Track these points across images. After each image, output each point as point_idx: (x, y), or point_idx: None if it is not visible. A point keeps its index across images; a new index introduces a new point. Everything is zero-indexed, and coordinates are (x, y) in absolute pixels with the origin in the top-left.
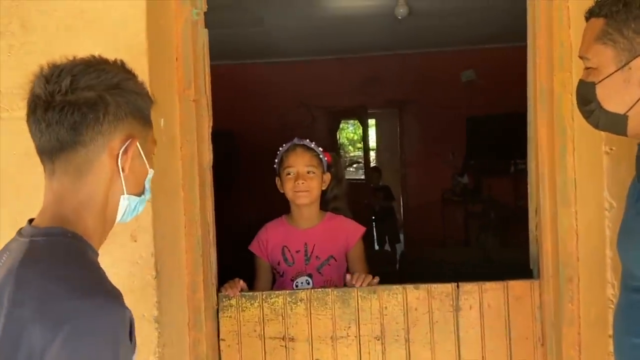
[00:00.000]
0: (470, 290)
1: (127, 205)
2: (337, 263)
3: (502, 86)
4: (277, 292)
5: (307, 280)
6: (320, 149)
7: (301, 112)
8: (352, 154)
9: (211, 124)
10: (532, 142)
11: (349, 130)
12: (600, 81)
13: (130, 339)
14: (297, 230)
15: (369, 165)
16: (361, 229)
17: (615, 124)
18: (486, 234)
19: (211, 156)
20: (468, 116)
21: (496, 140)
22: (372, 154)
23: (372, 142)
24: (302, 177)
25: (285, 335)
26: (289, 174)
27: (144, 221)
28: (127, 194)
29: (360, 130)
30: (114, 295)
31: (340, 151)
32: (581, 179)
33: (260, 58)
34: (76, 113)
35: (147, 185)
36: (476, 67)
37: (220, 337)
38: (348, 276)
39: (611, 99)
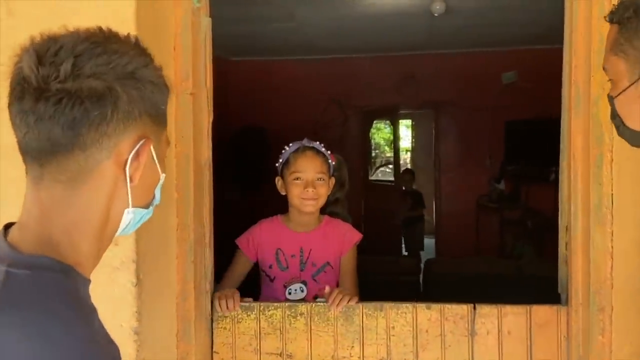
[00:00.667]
0: (488, 314)
1: (131, 218)
2: (334, 270)
3: (545, 90)
4: (275, 304)
5: (301, 287)
6: (328, 151)
7: (334, 110)
8: (388, 155)
9: (211, 119)
10: (565, 151)
11: (385, 131)
12: (616, 96)
13: None
14: (293, 233)
15: (399, 167)
16: (357, 235)
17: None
18: (522, 244)
19: (210, 153)
20: (507, 120)
21: (536, 146)
22: (408, 156)
23: (408, 143)
24: (312, 184)
25: (283, 351)
26: (297, 179)
27: None
28: (133, 207)
29: (399, 131)
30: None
31: (375, 151)
32: (619, 194)
33: (292, 55)
34: (77, 108)
35: (158, 193)
36: (518, 68)
37: (214, 349)
38: (327, 288)
39: (629, 116)
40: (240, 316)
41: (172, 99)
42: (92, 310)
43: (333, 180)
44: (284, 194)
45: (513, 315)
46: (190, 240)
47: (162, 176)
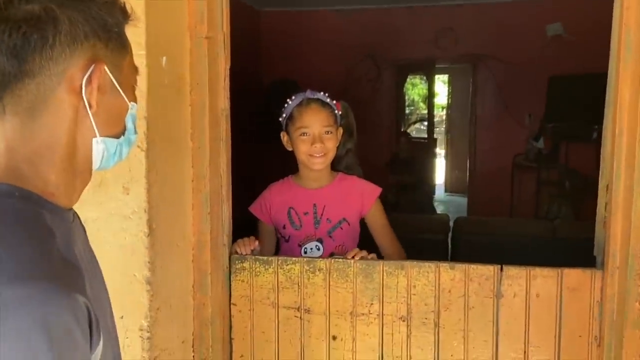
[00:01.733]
0: (515, 276)
1: (103, 149)
2: (351, 227)
3: (592, 43)
4: (293, 258)
5: (317, 245)
6: (333, 101)
7: (367, 64)
8: (423, 111)
9: (229, 65)
10: (611, 104)
11: (420, 86)
12: None
13: (91, 332)
14: (305, 190)
15: (433, 124)
16: (377, 190)
17: None
18: (559, 205)
19: (227, 103)
20: (551, 75)
21: (580, 103)
22: (443, 113)
23: (444, 100)
24: (319, 139)
25: (300, 306)
26: (303, 134)
27: (137, 172)
28: (101, 136)
29: (434, 87)
30: (61, 280)
31: (410, 108)
32: None
33: (325, 5)
34: (15, 34)
35: (131, 123)
36: (565, 20)
37: (232, 301)
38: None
39: None
40: (258, 269)
41: (185, 42)
42: (50, 234)
43: (341, 130)
44: (290, 149)
45: (542, 278)
46: (206, 192)
47: (132, 105)
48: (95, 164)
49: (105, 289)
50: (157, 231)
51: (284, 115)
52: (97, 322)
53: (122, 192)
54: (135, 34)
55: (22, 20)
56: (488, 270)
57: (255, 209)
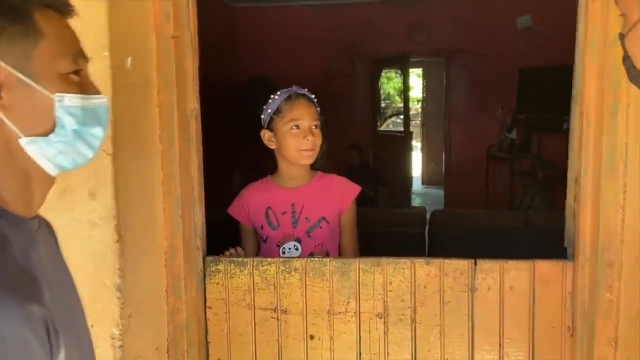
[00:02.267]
0: (489, 269)
1: (37, 150)
2: (330, 226)
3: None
4: (269, 259)
5: (295, 245)
6: (315, 99)
7: (342, 59)
8: (399, 105)
9: (197, 65)
10: (578, 97)
11: (396, 80)
12: (627, 33)
13: (50, 342)
14: (283, 189)
15: (409, 117)
16: (357, 189)
17: None
18: (532, 195)
19: (196, 103)
20: (522, 67)
21: (551, 94)
22: (419, 106)
23: (419, 93)
24: (310, 132)
25: (277, 306)
26: (295, 127)
27: (103, 176)
28: (27, 135)
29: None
30: (15, 290)
31: (386, 102)
32: (634, 144)
33: (299, 1)
34: None
35: (66, 116)
36: (533, 13)
37: (207, 304)
38: None
39: (638, 55)
40: (233, 271)
41: (152, 42)
42: (6, 243)
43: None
44: (272, 147)
45: (516, 271)
46: (177, 194)
47: (59, 96)
48: (46, 167)
49: (76, 296)
50: (126, 237)
51: (269, 111)
52: (57, 331)
53: (88, 197)
54: (99, 34)
55: None
56: (462, 264)
57: (233, 210)
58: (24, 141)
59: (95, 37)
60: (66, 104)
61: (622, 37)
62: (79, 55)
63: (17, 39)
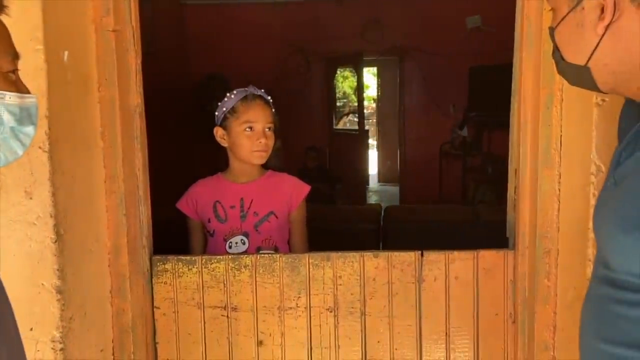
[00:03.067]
0: (435, 260)
1: None
2: (279, 221)
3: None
4: (217, 257)
5: (242, 239)
6: (271, 99)
7: (296, 58)
8: (355, 104)
9: (139, 61)
10: (516, 92)
11: (352, 79)
12: (556, 26)
13: None
14: (232, 184)
15: (364, 116)
16: (306, 188)
17: (580, 78)
18: (483, 190)
19: (140, 99)
20: (472, 65)
21: (500, 92)
22: (373, 105)
23: (374, 92)
24: (263, 134)
25: (227, 304)
26: (249, 129)
27: (40, 174)
28: None
29: (363, 79)
30: None
31: (343, 100)
32: (568, 136)
33: None
34: None
35: (4, 113)
36: (483, 13)
37: (155, 304)
38: None
39: (568, 47)
40: (181, 270)
41: (91, 36)
42: None
43: None
44: (224, 145)
45: (460, 261)
46: (120, 193)
47: (3, 94)
48: None
49: (6, 300)
50: (65, 236)
51: (224, 109)
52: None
53: (24, 196)
54: (32, 27)
55: None
56: (409, 256)
57: (181, 204)
58: None
59: (28, 31)
60: (6, 102)
61: (551, 30)
62: (15, 55)
63: None
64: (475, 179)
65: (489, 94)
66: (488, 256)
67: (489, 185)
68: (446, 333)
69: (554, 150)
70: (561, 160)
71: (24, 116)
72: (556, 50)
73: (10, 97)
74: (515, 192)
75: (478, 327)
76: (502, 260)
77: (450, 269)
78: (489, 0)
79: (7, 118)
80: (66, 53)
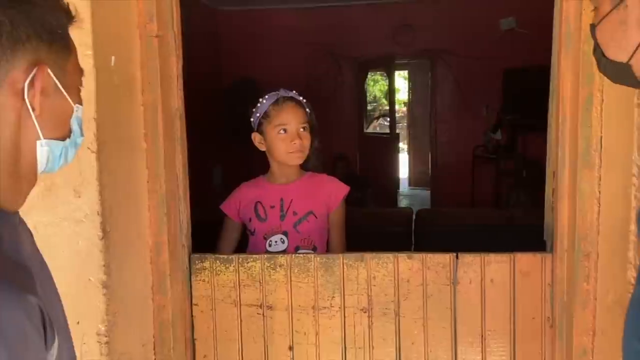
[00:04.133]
0: (470, 262)
1: (48, 152)
2: (318, 220)
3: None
4: (254, 256)
5: (281, 238)
6: (304, 99)
7: (327, 62)
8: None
9: (181, 64)
10: (555, 93)
11: (383, 83)
12: (598, 24)
13: (45, 332)
14: (273, 185)
15: (395, 119)
16: (345, 189)
17: (622, 75)
18: (517, 194)
19: (181, 102)
20: (506, 68)
21: (534, 94)
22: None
23: (405, 95)
24: (297, 135)
25: (262, 302)
26: (282, 131)
27: (88, 174)
28: (45, 138)
29: (394, 83)
30: (11, 281)
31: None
32: (609, 138)
33: (284, 4)
34: None
35: (76, 125)
36: (517, 14)
37: (193, 301)
38: None
39: (610, 45)
40: (219, 268)
41: (135, 42)
42: None
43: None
44: (263, 149)
45: (496, 264)
46: (162, 192)
47: (77, 107)
48: (40, 167)
49: (56, 293)
50: (111, 234)
51: (257, 114)
52: (51, 322)
53: (73, 195)
54: (82, 33)
55: None
56: (444, 258)
57: (225, 206)
58: (40, 143)
59: (78, 36)
60: (79, 114)
61: (592, 27)
62: (82, 70)
63: (61, 51)
64: (509, 183)
65: (523, 96)
66: (525, 259)
67: (523, 189)
68: (482, 336)
69: (594, 152)
70: (601, 162)
71: (82, 127)
72: (597, 48)
73: (80, 110)
74: (553, 194)
75: (515, 331)
76: (539, 263)
77: (486, 272)
78: (524, 1)
79: (76, 129)
80: (113, 58)
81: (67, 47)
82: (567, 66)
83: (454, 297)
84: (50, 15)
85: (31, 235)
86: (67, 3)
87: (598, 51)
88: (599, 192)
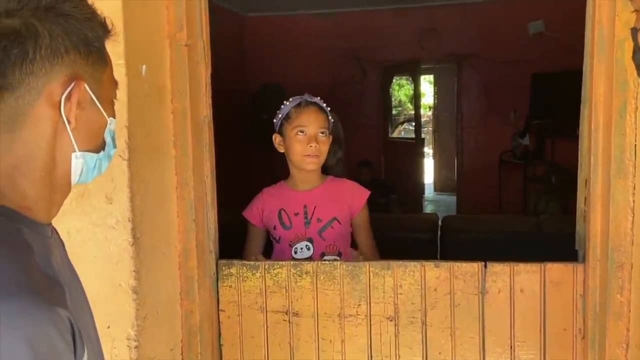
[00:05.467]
0: (499, 272)
1: (82, 164)
2: (342, 226)
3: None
4: (280, 262)
5: (307, 245)
6: (328, 108)
7: (352, 66)
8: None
9: (210, 72)
10: (587, 99)
11: (408, 87)
12: None
13: (75, 344)
14: (295, 192)
15: (420, 124)
16: (367, 192)
17: None
18: (546, 201)
19: (209, 110)
20: (534, 72)
21: (563, 99)
22: (430, 113)
23: (430, 100)
24: (314, 139)
25: (289, 309)
26: (300, 132)
27: (120, 181)
28: (80, 150)
29: (420, 87)
30: (41, 294)
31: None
32: None
33: (309, 9)
34: None
35: (110, 138)
36: (546, 18)
37: (220, 307)
38: (353, 252)
39: None
40: (245, 274)
41: (165, 51)
42: (28, 249)
43: (331, 138)
44: (282, 151)
45: (526, 274)
46: (190, 199)
47: (111, 120)
48: (74, 179)
49: (87, 301)
50: (141, 240)
51: (280, 116)
52: (80, 334)
53: (105, 202)
54: (115, 44)
55: (2, 34)
56: (472, 267)
57: (247, 213)
58: (75, 155)
59: (111, 46)
60: (112, 127)
61: (635, 31)
62: (117, 83)
63: (97, 64)
64: (537, 189)
65: (552, 101)
66: (556, 269)
67: (552, 196)
68: (511, 347)
69: (628, 160)
70: (635, 171)
71: (114, 138)
72: (637, 52)
73: (113, 123)
74: (585, 203)
75: (545, 342)
76: (571, 273)
77: (516, 281)
78: (552, 4)
79: (109, 142)
80: (144, 67)
81: (103, 60)
82: (600, 72)
83: (482, 306)
84: (88, 28)
85: (63, 246)
86: (104, 17)
87: (638, 55)
88: (633, 201)
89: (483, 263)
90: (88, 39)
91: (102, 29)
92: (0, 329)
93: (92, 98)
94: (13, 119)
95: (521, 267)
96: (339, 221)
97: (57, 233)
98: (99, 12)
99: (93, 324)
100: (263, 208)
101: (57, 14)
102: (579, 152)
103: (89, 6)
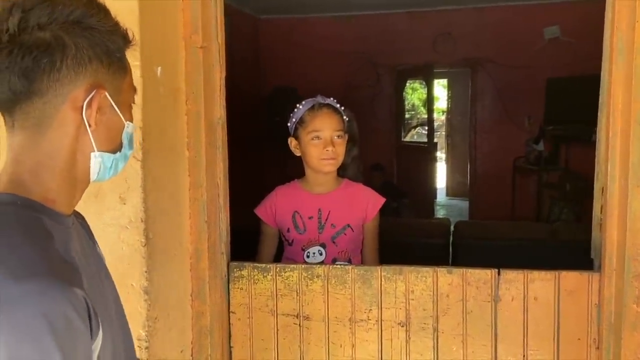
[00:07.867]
0: (513, 279)
1: (100, 163)
2: (354, 233)
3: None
4: (291, 265)
5: (319, 250)
6: (342, 107)
7: (366, 69)
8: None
9: (224, 74)
10: (604, 106)
11: (421, 91)
12: None
13: (91, 322)
14: (310, 194)
15: (433, 128)
16: (381, 200)
17: None
18: (560, 208)
19: (223, 112)
20: (549, 77)
21: (578, 105)
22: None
23: (444, 104)
24: (330, 143)
25: (299, 313)
26: (316, 138)
27: (133, 182)
28: (98, 150)
29: (433, 91)
30: (59, 276)
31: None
32: None
33: (324, 12)
34: (27, 57)
35: (126, 140)
36: (562, 23)
37: (231, 310)
38: None
39: None
40: (256, 277)
41: (180, 53)
42: (48, 236)
43: (347, 136)
44: (298, 155)
45: (540, 281)
46: (203, 200)
47: (128, 124)
48: (93, 176)
49: (112, 288)
50: (154, 240)
51: (294, 120)
52: (96, 314)
53: (118, 202)
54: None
55: (34, 45)
56: (485, 274)
57: (260, 211)
58: (95, 154)
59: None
60: (129, 130)
61: None
62: (135, 89)
63: (118, 72)
64: (552, 196)
65: (567, 107)
66: (571, 277)
67: (566, 203)
68: (524, 356)
69: None
70: None
71: (132, 141)
72: None
73: (131, 127)
74: (601, 211)
75: (559, 351)
76: (586, 282)
77: (529, 289)
78: (568, 10)
79: (126, 144)
80: (159, 69)
81: (123, 69)
82: (618, 79)
83: (495, 314)
84: (110, 41)
85: (86, 232)
86: (125, 29)
87: None
88: None
89: (496, 270)
90: (110, 50)
91: (123, 40)
92: (19, 307)
93: (111, 104)
94: (40, 121)
95: (535, 274)
96: (352, 228)
97: (81, 221)
98: (119, 20)
99: (118, 310)
100: (276, 207)
101: (83, 27)
102: (596, 160)
103: (112, 19)
